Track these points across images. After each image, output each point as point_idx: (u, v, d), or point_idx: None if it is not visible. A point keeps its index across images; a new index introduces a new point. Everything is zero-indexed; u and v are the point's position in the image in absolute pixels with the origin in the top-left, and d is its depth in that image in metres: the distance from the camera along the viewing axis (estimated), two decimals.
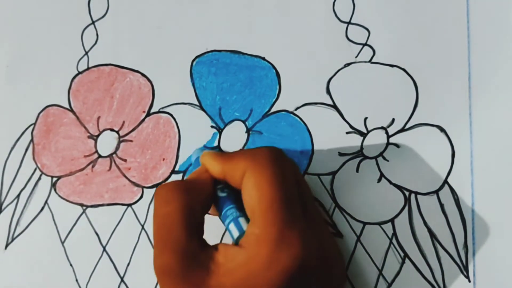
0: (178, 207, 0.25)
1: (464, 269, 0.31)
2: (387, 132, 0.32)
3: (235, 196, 0.27)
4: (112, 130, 0.35)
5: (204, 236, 0.26)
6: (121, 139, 0.35)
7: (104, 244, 0.34)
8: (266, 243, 0.23)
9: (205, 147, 0.34)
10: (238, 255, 0.24)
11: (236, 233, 0.26)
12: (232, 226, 0.26)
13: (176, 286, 0.24)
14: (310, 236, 0.25)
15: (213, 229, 0.29)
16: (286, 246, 0.23)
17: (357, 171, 0.32)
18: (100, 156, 0.35)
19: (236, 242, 0.26)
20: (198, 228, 0.26)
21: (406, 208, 0.31)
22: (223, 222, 0.27)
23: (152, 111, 0.35)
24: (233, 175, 0.26)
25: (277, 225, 0.24)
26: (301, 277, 0.24)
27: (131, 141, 0.35)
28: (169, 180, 0.34)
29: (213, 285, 0.23)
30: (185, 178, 0.33)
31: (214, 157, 0.27)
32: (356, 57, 0.33)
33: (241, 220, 0.26)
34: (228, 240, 0.29)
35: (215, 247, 0.25)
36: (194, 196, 0.26)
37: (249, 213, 0.25)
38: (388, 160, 0.32)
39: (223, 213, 0.27)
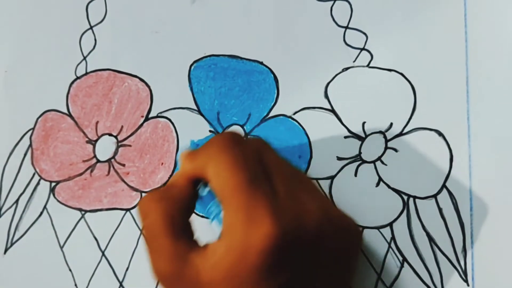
0: (157, 218, 0.25)
1: (462, 273, 0.31)
2: (385, 137, 0.32)
3: None
4: (110, 135, 0.35)
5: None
6: (119, 144, 0.35)
7: (103, 248, 0.34)
8: (237, 229, 0.23)
9: (197, 145, 0.33)
10: (219, 248, 0.24)
11: (219, 230, 0.25)
12: (214, 224, 0.26)
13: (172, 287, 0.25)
14: (286, 212, 0.24)
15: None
16: (256, 227, 0.23)
17: (355, 175, 0.32)
18: (98, 161, 0.35)
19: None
20: (183, 231, 0.26)
21: (405, 212, 0.31)
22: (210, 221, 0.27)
23: (150, 115, 0.35)
24: (201, 170, 0.26)
25: (242, 208, 0.24)
26: (288, 255, 0.24)
27: (129, 145, 0.35)
28: None
29: (205, 281, 0.24)
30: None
31: (185, 158, 0.27)
32: (354, 61, 0.33)
33: (222, 215, 0.26)
34: None
35: (205, 245, 0.25)
36: (171, 203, 0.26)
37: (220, 203, 0.25)
38: (386, 164, 0.32)
39: (206, 211, 0.27)
